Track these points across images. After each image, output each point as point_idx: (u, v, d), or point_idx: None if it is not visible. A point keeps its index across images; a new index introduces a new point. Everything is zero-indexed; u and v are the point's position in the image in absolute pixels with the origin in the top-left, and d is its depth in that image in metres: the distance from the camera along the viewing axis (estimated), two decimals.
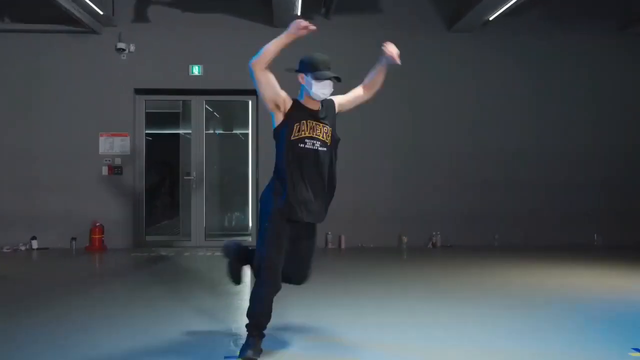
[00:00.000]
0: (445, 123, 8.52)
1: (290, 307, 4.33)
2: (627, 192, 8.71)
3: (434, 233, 8.36)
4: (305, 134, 3.22)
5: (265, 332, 3.34)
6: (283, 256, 3.22)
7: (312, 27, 3.14)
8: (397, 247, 8.27)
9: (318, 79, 3.19)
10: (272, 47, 3.16)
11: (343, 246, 8.27)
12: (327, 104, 3.39)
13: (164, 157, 9.13)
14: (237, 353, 3.29)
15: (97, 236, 8.00)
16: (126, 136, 8.29)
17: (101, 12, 7.79)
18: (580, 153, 8.69)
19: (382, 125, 8.37)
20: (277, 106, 3.24)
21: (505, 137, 8.60)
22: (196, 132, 8.56)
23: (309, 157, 3.23)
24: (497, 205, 8.51)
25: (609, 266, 6.75)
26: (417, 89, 8.48)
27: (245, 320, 3.33)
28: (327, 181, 3.33)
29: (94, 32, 8.14)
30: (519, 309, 4.60)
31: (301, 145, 3.22)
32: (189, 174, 8.51)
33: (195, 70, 8.32)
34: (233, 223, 9.09)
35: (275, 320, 3.44)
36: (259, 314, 3.25)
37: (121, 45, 8.19)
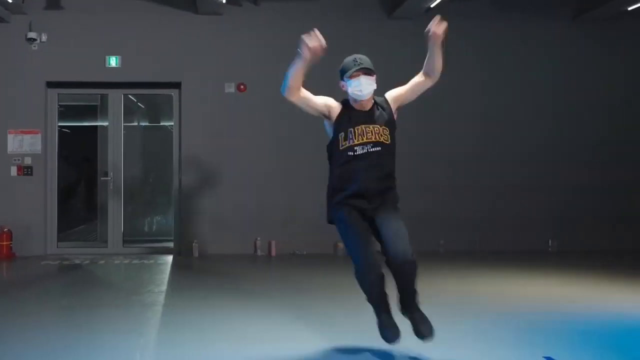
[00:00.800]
0: None
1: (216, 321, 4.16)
2: (585, 195, 8.05)
3: (373, 239, 7.67)
4: (355, 142, 3.20)
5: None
6: (367, 240, 3.21)
7: (321, 44, 3.10)
8: (333, 254, 7.61)
9: (349, 77, 3.18)
10: (294, 74, 3.14)
11: (274, 253, 7.66)
12: (381, 101, 3.35)
13: (81, 152, 8.48)
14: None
15: (4, 243, 7.44)
16: (37, 133, 7.65)
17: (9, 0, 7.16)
18: (532, 152, 8.08)
19: (314, 120, 7.65)
20: (327, 117, 3.29)
21: (451, 134, 7.98)
22: (113, 129, 7.91)
23: (363, 160, 3.19)
24: (443, 209, 7.87)
25: (556, 273, 6.34)
26: None
27: None
28: (384, 175, 3.30)
29: (2, 20, 7.56)
30: (444, 318, 4.18)
31: (350, 153, 3.20)
32: (106, 174, 7.85)
33: (112, 61, 7.70)
34: (154, 227, 8.44)
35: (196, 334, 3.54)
36: (371, 299, 3.20)
37: (32, 34, 7.62)
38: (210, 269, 6.87)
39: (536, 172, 8.04)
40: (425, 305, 4.55)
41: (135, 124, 8.52)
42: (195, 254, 7.59)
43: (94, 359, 3.40)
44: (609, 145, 8.17)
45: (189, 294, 5.39)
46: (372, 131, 3.21)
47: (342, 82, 3.24)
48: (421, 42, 8.68)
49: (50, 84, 7.77)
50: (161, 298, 5.26)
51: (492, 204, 7.96)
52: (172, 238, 7.98)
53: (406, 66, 7.72)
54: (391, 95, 3.40)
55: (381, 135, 3.23)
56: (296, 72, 3.10)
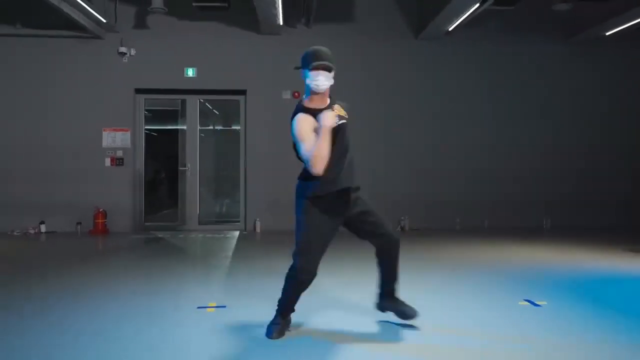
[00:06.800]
0: (413, 119, 9.57)
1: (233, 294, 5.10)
2: (574, 180, 9.84)
3: (402, 217, 9.37)
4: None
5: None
6: (321, 243, 3.33)
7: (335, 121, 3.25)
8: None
9: (311, 68, 3.25)
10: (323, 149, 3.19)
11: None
12: (338, 107, 3.42)
13: (166, 151, 9.95)
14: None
15: (100, 220, 8.87)
16: (127, 131, 9.21)
17: (104, 20, 8.63)
18: (532, 145, 9.78)
19: (357, 119, 9.27)
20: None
21: (467, 132, 9.66)
22: (191, 128, 9.51)
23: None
24: (459, 192, 9.57)
25: (545, 244, 7.76)
26: (387, 91, 9.53)
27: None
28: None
29: (98, 37, 9.03)
30: (452, 275, 5.57)
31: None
32: (184, 165, 9.46)
33: (190, 72, 9.25)
34: (224, 209, 10.06)
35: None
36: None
37: (122, 49, 9.08)
38: (261, 241, 8.38)
39: (533, 162, 9.74)
40: (439, 267, 5.81)
41: (211, 127, 10.10)
42: (258, 230, 9.23)
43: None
44: (594, 142, 9.94)
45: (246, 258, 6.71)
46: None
47: (302, 72, 3.30)
48: (443, 59, 10.46)
49: (138, 91, 9.27)
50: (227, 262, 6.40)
51: (498, 189, 9.63)
52: (238, 219, 9.57)
53: (430, 80, 9.58)
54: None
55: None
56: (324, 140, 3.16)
